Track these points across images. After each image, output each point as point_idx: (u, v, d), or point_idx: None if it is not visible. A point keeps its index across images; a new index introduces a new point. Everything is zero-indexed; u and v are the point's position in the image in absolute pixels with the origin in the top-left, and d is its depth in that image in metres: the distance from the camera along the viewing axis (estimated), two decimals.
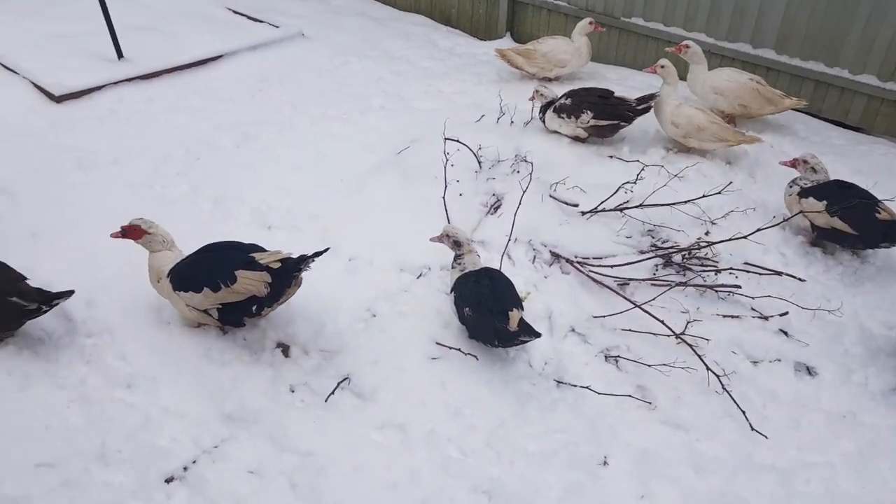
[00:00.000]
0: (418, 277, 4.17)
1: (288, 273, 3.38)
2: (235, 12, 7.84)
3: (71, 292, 3.52)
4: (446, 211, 4.59)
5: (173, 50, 6.76)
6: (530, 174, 4.45)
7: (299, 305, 3.89)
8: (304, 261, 3.34)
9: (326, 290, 4.02)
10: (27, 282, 3.52)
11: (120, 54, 6.45)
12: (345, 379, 3.46)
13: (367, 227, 4.49)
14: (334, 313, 3.88)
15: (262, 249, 3.49)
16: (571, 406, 3.35)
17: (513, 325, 3.27)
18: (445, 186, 4.65)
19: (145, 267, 3.64)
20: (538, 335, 3.32)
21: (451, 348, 3.58)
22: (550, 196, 4.65)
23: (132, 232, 3.54)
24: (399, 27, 7.89)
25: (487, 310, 3.36)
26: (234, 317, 3.54)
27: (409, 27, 7.92)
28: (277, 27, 7.41)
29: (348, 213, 4.64)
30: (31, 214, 4.47)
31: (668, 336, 3.65)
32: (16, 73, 6.17)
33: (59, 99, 5.83)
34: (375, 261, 4.28)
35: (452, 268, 3.74)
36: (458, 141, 4.98)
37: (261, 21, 7.58)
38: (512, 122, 5.64)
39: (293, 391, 3.46)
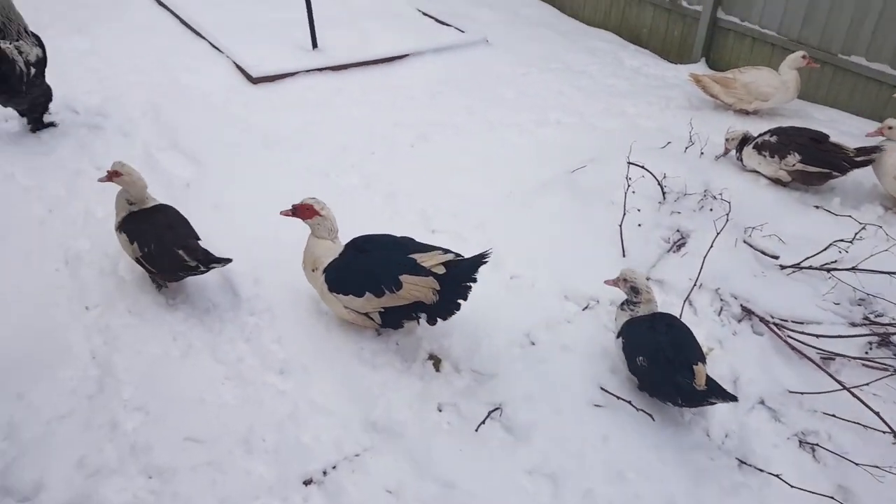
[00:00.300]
0: (584, 309, 3.86)
1: (458, 283, 3.19)
2: (425, 14, 7.89)
3: (229, 260, 3.53)
4: (622, 241, 4.25)
5: (363, 45, 6.90)
6: (727, 215, 3.99)
7: (456, 318, 3.68)
8: (474, 268, 3.15)
9: (485, 306, 3.81)
10: (198, 241, 3.61)
11: (315, 44, 6.66)
12: (496, 409, 3.22)
13: (534, 246, 4.25)
14: (491, 333, 3.67)
15: (419, 246, 3.35)
16: (757, 495, 2.87)
17: (699, 381, 2.86)
18: (624, 214, 4.30)
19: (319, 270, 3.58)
20: (733, 398, 2.87)
21: (618, 398, 3.23)
22: (745, 242, 4.16)
23: (303, 211, 3.40)
24: (584, 42, 7.60)
25: (667, 361, 2.98)
26: (395, 320, 3.43)
27: (594, 42, 7.61)
28: (463, 32, 7.37)
29: (515, 228, 4.42)
30: (215, 186, 4.64)
31: (885, 433, 3.08)
32: (222, 52, 6.53)
33: (256, 81, 6.10)
34: (539, 283, 4.03)
35: (622, 309, 3.35)
36: (642, 167, 4.61)
37: (448, 25, 7.57)
38: (702, 153, 5.17)
39: (440, 410, 3.27)
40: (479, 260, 3.17)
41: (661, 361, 3.00)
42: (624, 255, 4.20)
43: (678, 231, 4.36)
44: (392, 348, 3.57)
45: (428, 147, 5.39)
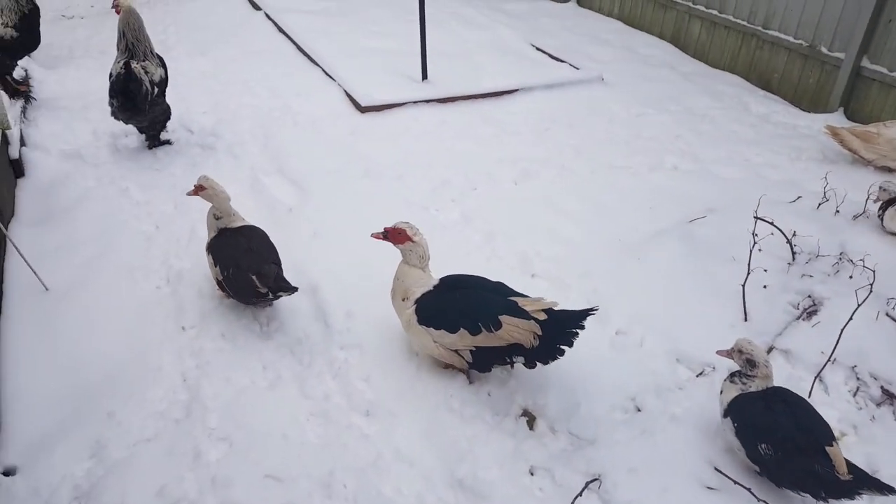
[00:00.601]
0: (698, 375, 3.52)
1: (562, 329, 3.04)
2: (539, 49, 7.76)
3: (295, 289, 3.47)
4: (744, 303, 3.88)
5: (472, 78, 6.82)
6: (870, 285, 3.55)
7: (554, 371, 3.47)
8: (580, 319, 3.00)
9: (586, 362, 3.55)
10: (275, 266, 3.56)
11: (425, 76, 6.64)
12: (595, 480, 2.93)
13: (643, 301, 3.95)
14: (592, 393, 3.39)
15: (515, 292, 3.21)
16: None
17: (841, 469, 2.52)
18: (748, 273, 3.92)
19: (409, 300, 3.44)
20: (891, 490, 2.50)
21: (735, 482, 2.87)
22: (888, 315, 3.70)
23: (395, 235, 3.25)
24: (708, 85, 7.21)
25: (798, 450, 2.62)
26: (486, 362, 3.26)
27: (719, 86, 7.20)
28: (578, 69, 7.17)
29: (622, 280, 4.13)
30: (316, 214, 4.61)
31: None
32: (334, 80, 6.62)
33: (364, 109, 6.12)
34: (647, 343, 3.72)
35: (731, 382, 2.96)
36: (770, 223, 4.22)
37: (562, 61, 7.40)
38: (837, 210, 4.71)
39: (532, 474, 3.02)
40: (586, 313, 3.02)
41: (791, 450, 2.65)
42: (746, 319, 3.84)
43: (809, 297, 3.94)
44: (483, 399, 3.36)
45: (532, 185, 5.19)
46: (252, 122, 5.82)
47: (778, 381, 3.42)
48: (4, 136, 4.69)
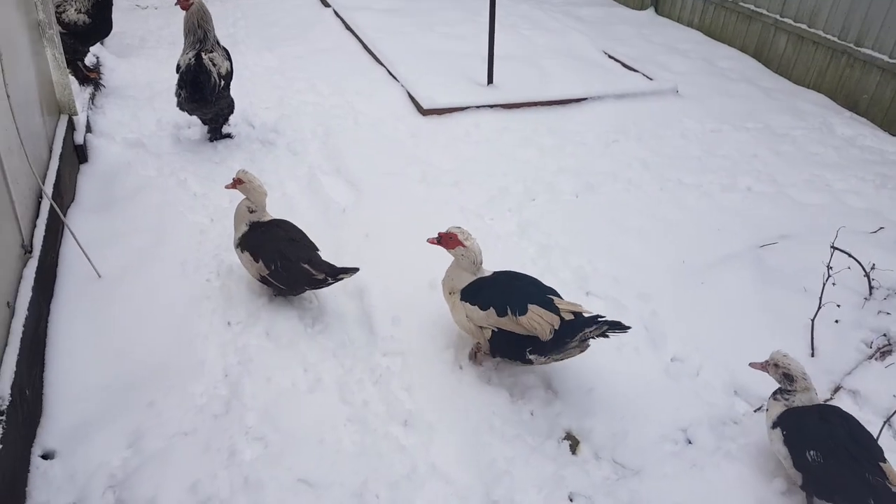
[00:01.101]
0: (756, 410, 3.32)
1: (578, 328, 3.06)
2: (611, 57, 7.54)
3: (356, 269, 3.51)
4: (812, 338, 3.64)
5: (539, 84, 6.67)
6: None
7: (602, 395, 3.33)
8: (599, 325, 2.99)
9: (637, 387, 3.40)
10: (318, 253, 3.60)
11: (490, 80, 6.52)
12: None
13: (703, 328, 3.75)
14: (641, 421, 3.23)
15: (558, 295, 3.26)
16: None
17: (894, 481, 2.48)
18: (819, 306, 3.67)
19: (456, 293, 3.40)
20: None
21: None
22: None
23: (447, 240, 3.35)
24: (790, 103, 6.85)
25: (851, 458, 2.56)
26: (504, 349, 3.32)
27: (802, 104, 6.83)
28: (651, 79, 6.93)
29: (683, 304, 3.93)
30: (369, 216, 4.56)
31: None
32: (397, 80, 6.58)
33: (426, 112, 6.05)
34: (704, 372, 3.53)
35: (775, 399, 2.95)
36: (849, 254, 3.94)
37: (635, 70, 7.17)
38: None
39: (572, 500, 2.89)
40: (615, 325, 2.99)
41: (844, 458, 2.59)
42: (813, 355, 3.62)
43: (885, 336, 3.67)
44: (526, 419, 3.24)
45: (594, 199, 5.01)
46: (313, 120, 5.83)
47: None
48: (71, 121, 4.80)
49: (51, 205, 3.72)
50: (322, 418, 3.11)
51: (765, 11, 7.70)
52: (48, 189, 3.87)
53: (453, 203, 4.79)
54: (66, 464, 2.78)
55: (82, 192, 4.56)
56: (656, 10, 9.60)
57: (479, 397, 3.31)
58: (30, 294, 3.12)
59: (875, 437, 2.72)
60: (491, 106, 6.18)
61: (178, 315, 3.56)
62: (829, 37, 6.96)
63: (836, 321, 3.77)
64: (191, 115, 5.20)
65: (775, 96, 6.97)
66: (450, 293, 3.43)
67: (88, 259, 3.65)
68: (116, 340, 3.34)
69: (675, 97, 6.71)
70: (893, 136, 6.30)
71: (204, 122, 5.35)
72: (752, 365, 3.03)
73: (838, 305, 3.76)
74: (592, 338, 3.07)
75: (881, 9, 6.39)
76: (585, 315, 3.12)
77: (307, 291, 3.73)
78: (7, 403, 2.55)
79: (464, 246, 3.32)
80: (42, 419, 2.94)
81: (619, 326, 2.97)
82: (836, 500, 2.68)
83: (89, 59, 6.09)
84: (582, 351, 3.16)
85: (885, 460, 2.58)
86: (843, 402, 3.36)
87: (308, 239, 3.68)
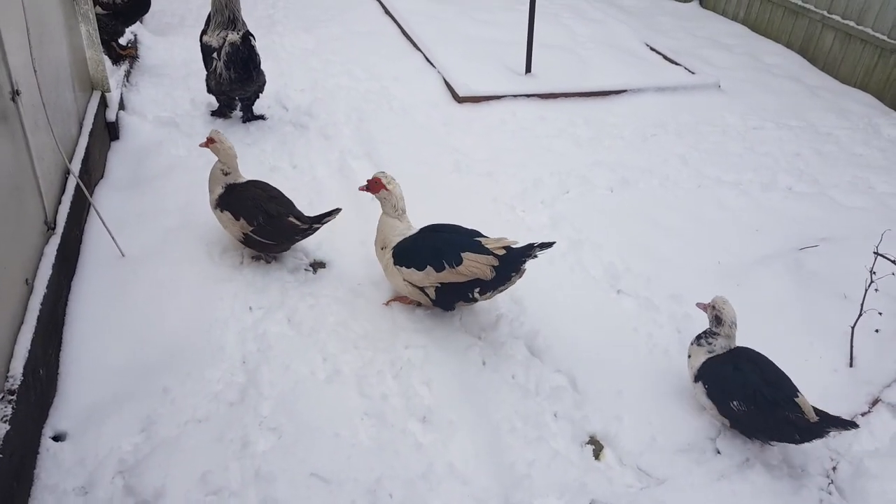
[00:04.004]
0: None
1: (515, 260, 3.27)
2: (653, 49, 7.32)
3: (338, 210, 3.72)
4: (852, 347, 3.50)
5: (578, 75, 6.49)
6: None
7: (631, 399, 3.23)
8: (531, 249, 3.21)
9: (667, 392, 3.28)
10: (297, 208, 3.76)
11: (528, 69, 6.37)
12: None
13: (738, 332, 3.57)
14: (670, 427, 3.13)
15: (483, 235, 3.41)
16: None
17: (810, 414, 2.81)
18: (860, 314, 3.50)
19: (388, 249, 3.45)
20: (854, 425, 2.81)
21: None
22: None
23: (372, 185, 3.50)
24: (835, 101, 6.58)
25: (770, 403, 2.86)
26: (450, 299, 3.46)
27: (848, 103, 6.56)
28: (693, 73, 6.71)
29: None
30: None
31: None
32: (434, 67, 6.47)
33: (461, 100, 5.93)
34: None
35: (698, 344, 3.19)
36: (893, 261, 3.73)
37: (677, 64, 6.94)
38: None
39: None
40: (543, 246, 3.20)
41: (763, 404, 2.88)
42: (851, 365, 3.49)
43: None
44: (549, 420, 3.16)
45: (628, 195, 4.86)
46: (347, 104, 5.75)
47: (882, 439, 3.10)
48: (104, 98, 4.79)
49: (77, 182, 3.70)
50: (339, 411, 3.05)
51: (812, 7, 7.42)
52: (75, 167, 3.85)
53: (486, 194, 4.68)
54: (76, 447, 2.74)
55: (112, 170, 4.54)
56: (701, 3, 9.35)
57: (501, 395, 3.23)
58: (50, 272, 3.09)
59: (783, 373, 2.98)
60: (528, 95, 6.04)
61: (199, 298, 3.51)
62: (877, 35, 6.68)
63: (877, 330, 3.64)
64: (231, 95, 5.12)
65: (820, 94, 6.71)
66: (381, 248, 3.54)
67: (112, 237, 3.62)
68: (135, 322, 3.30)
69: (717, 92, 6.49)
70: None
71: (241, 101, 5.26)
72: (697, 305, 3.28)
73: (880, 313, 3.58)
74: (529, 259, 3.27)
75: None
76: (514, 247, 3.27)
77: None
78: (19, 383, 2.52)
79: (387, 189, 3.46)
80: (55, 400, 2.91)
81: (546, 245, 3.18)
82: (762, 437, 3.02)
83: (125, 37, 6.08)
84: (520, 277, 3.34)
85: (798, 394, 2.87)
86: (882, 416, 3.24)
87: (285, 196, 3.78)
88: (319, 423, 2.96)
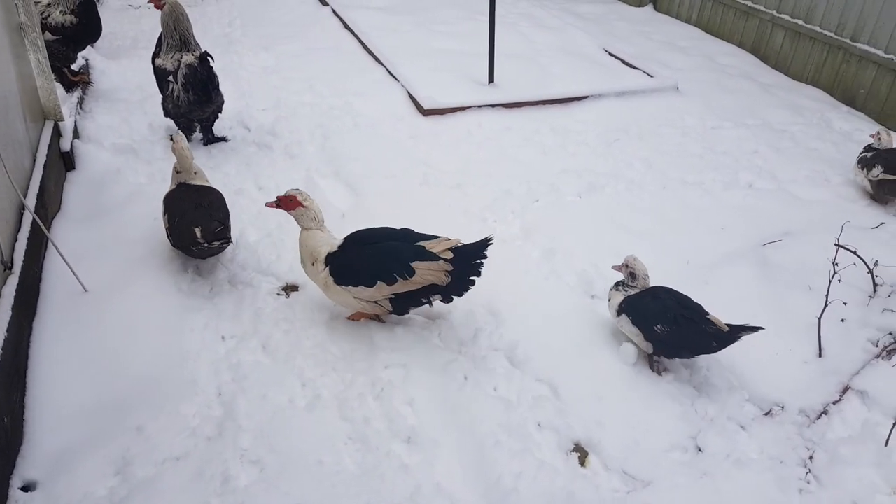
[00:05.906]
0: (766, 414, 3.27)
1: (468, 261, 3.31)
2: (611, 55, 7.41)
3: (229, 240, 3.75)
4: (819, 338, 3.56)
5: (540, 83, 6.54)
6: None
7: (612, 404, 3.25)
8: (482, 249, 3.30)
9: (647, 395, 3.30)
10: (218, 223, 3.68)
11: (491, 79, 6.40)
12: None
13: None
14: (651, 430, 3.15)
15: (421, 235, 3.42)
16: None
17: (722, 326, 3.24)
18: (825, 305, 3.57)
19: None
20: (759, 328, 3.22)
21: None
22: None
23: (287, 202, 3.38)
24: (788, 98, 6.74)
25: (688, 320, 3.27)
26: (404, 306, 3.47)
27: (800, 100, 6.72)
28: (652, 77, 6.80)
29: None
30: (369, 220, 4.34)
31: None
32: (397, 80, 6.45)
33: (426, 112, 5.92)
34: (712, 377, 3.46)
35: (617, 290, 3.57)
36: (853, 252, 3.83)
37: (635, 68, 7.03)
38: None
39: None
40: (486, 243, 3.31)
41: (683, 322, 3.27)
42: (820, 356, 3.56)
43: (891, 334, 3.62)
44: (533, 430, 3.15)
45: (597, 199, 4.90)
46: (311, 122, 5.69)
47: (854, 426, 3.21)
48: (57, 127, 4.64)
49: (33, 217, 3.57)
50: (321, 437, 2.99)
51: (762, 7, 7.59)
52: (31, 201, 3.72)
53: (456, 206, 4.67)
54: (48, 495, 2.62)
55: (69, 202, 4.40)
56: (655, 7, 9.48)
57: (484, 409, 3.20)
58: (9, 314, 2.96)
59: (692, 300, 3.39)
60: (492, 105, 6.06)
61: (169, 330, 3.41)
62: (825, 32, 6.85)
63: (843, 320, 3.72)
64: (190, 116, 5.02)
65: (774, 92, 6.87)
66: (312, 264, 3.40)
67: (74, 273, 3.50)
68: (103, 359, 3.19)
69: (675, 94, 6.59)
70: (892, 130, 6.19)
71: (201, 123, 5.16)
72: (613, 267, 3.65)
73: (845, 303, 3.68)
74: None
75: (876, 4, 6.32)
76: (460, 245, 3.31)
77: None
78: None
79: (303, 206, 3.35)
80: (22, 447, 2.78)
81: (488, 241, 3.31)
82: (685, 354, 3.42)
83: (77, 62, 5.93)
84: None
85: (708, 313, 3.30)
86: (853, 404, 3.31)
87: (220, 210, 3.82)
88: (301, 452, 2.90)
